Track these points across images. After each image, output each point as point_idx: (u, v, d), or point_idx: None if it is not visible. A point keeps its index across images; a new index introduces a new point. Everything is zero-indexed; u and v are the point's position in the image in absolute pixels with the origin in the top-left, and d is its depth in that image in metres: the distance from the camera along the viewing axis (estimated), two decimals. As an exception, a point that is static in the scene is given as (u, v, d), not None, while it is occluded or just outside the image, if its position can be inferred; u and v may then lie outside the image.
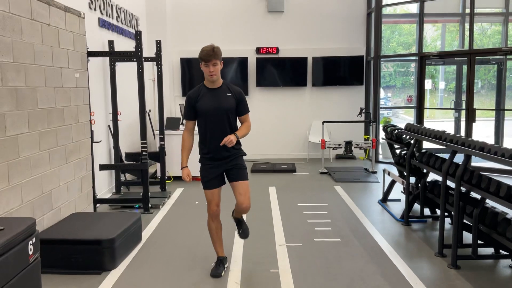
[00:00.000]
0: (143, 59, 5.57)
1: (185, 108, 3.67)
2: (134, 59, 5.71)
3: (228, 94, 3.61)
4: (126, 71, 7.03)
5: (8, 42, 3.57)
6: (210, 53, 3.48)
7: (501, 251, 4.02)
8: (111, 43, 6.38)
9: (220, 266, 3.76)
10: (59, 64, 4.42)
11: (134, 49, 5.52)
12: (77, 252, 3.81)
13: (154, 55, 6.60)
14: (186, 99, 3.66)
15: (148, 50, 8.34)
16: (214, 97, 3.58)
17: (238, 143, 3.68)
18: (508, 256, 3.95)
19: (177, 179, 7.49)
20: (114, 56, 6.12)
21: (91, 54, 5.38)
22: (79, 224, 4.22)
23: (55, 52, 4.35)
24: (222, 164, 3.64)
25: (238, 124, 3.72)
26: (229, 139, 3.47)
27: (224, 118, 3.58)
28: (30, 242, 2.61)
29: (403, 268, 3.87)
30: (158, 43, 6.55)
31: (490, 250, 4.13)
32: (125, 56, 6.00)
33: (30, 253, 2.61)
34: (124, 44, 7.40)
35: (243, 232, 3.90)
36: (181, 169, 3.67)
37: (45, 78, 4.16)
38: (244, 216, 4.08)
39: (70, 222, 4.27)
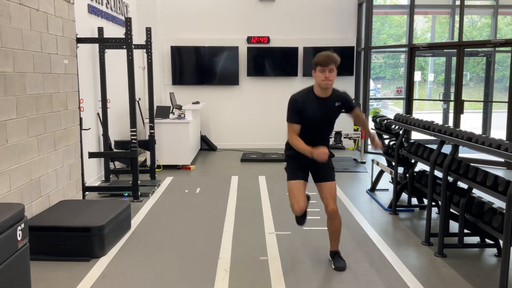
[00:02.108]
0: (133, 46, 5.53)
1: (290, 111, 3.45)
2: (124, 46, 5.66)
3: (336, 104, 3.47)
4: (116, 58, 6.97)
5: (-5, 26, 3.52)
6: (330, 57, 3.32)
7: (486, 240, 4.08)
8: (100, 30, 6.32)
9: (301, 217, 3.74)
10: (47, 50, 4.37)
11: (123, 36, 5.48)
12: (66, 239, 3.80)
13: (144, 43, 6.56)
14: (291, 102, 3.45)
15: (138, 37, 8.27)
16: (323, 107, 3.42)
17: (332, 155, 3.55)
18: (493, 245, 4.02)
19: (167, 167, 7.48)
20: (104, 42, 6.06)
21: (80, 40, 5.32)
22: (68, 211, 4.20)
23: (43, 37, 4.30)
24: (309, 165, 3.55)
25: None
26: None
27: (327, 128, 3.50)
28: (19, 228, 2.60)
29: (390, 256, 3.93)
30: (148, 31, 6.50)
31: (476, 239, 4.19)
32: (115, 43, 5.96)
33: (19, 238, 2.60)
34: (114, 31, 7.33)
35: (339, 266, 3.63)
36: (311, 153, 3.31)
37: (34, 64, 4.11)
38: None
39: (59, 209, 4.25)
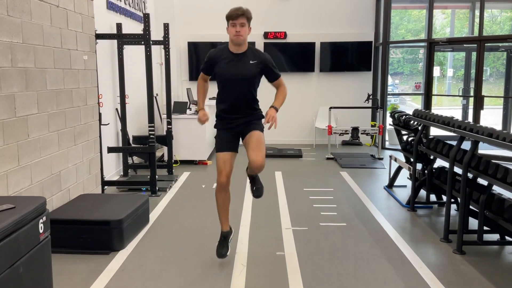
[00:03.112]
0: (151, 42, 5.57)
1: (204, 63, 3.52)
2: (142, 42, 5.71)
3: (251, 62, 3.40)
4: (134, 54, 7.03)
5: (17, 23, 3.58)
6: (239, 11, 3.31)
7: (506, 237, 4.03)
8: (119, 26, 6.37)
9: (224, 245, 3.58)
10: (67, 46, 4.43)
11: (142, 32, 5.51)
12: (86, 232, 3.86)
13: (162, 39, 6.59)
14: (207, 56, 3.50)
15: (156, 33, 8.31)
16: (236, 64, 3.39)
17: (255, 103, 3.54)
18: (513, 243, 3.96)
19: (184, 162, 7.53)
20: (122, 38, 6.11)
21: (99, 36, 5.37)
22: (88, 205, 4.26)
23: (63, 33, 4.35)
24: (236, 125, 3.50)
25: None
26: (271, 117, 3.29)
27: (245, 87, 3.41)
28: (41, 220, 2.65)
29: (408, 253, 3.90)
30: (166, 26, 6.54)
31: (495, 236, 4.14)
32: (133, 39, 6.00)
33: (41, 231, 2.65)
34: (132, 27, 7.38)
35: (257, 190, 3.72)
36: (197, 111, 3.47)
37: (54, 59, 4.17)
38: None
39: (79, 203, 4.32)
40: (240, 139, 3.59)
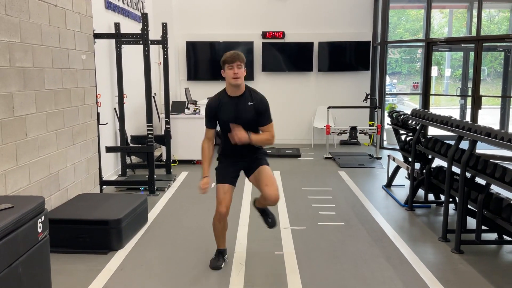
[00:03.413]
0: (149, 42, 5.56)
1: (206, 116, 3.54)
2: (140, 42, 5.70)
3: (249, 104, 3.43)
4: (132, 54, 7.02)
5: (15, 22, 3.57)
6: (235, 55, 3.38)
7: (504, 236, 4.04)
8: (117, 25, 6.36)
9: (219, 258, 3.60)
10: (66, 46, 4.43)
11: (140, 32, 5.51)
12: (85, 231, 3.86)
13: (160, 38, 6.59)
14: (206, 108, 3.52)
15: (154, 33, 8.32)
16: (235, 107, 3.42)
17: (259, 147, 3.57)
18: (511, 242, 3.97)
19: (182, 162, 7.53)
20: (120, 38, 6.10)
21: (98, 36, 5.37)
22: (86, 204, 4.26)
23: (62, 33, 4.35)
24: (240, 162, 3.55)
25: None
26: (240, 133, 3.32)
27: (247, 129, 3.43)
28: (40, 220, 2.65)
29: (407, 252, 3.91)
30: (164, 26, 6.53)
31: (493, 236, 4.15)
32: (131, 39, 5.99)
33: (40, 231, 2.65)
34: (130, 27, 7.38)
35: (272, 221, 3.74)
36: (202, 178, 3.46)
37: (52, 59, 4.16)
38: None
39: (77, 203, 4.31)
40: (243, 173, 3.62)
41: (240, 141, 3.35)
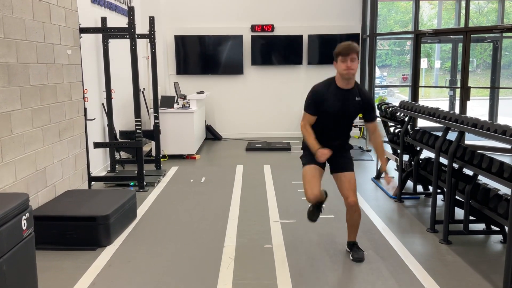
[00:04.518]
0: (136, 36, 5.51)
1: (308, 100, 3.44)
2: (127, 36, 5.65)
3: (357, 99, 3.40)
4: (119, 48, 6.96)
5: (-2, 17, 3.52)
6: (350, 47, 3.28)
7: (492, 226, 4.07)
8: (103, 20, 6.30)
9: (317, 211, 3.66)
10: (51, 40, 4.37)
11: (127, 26, 5.45)
12: (72, 228, 3.83)
13: (147, 32, 6.54)
14: (312, 91, 3.43)
15: (142, 27, 8.24)
16: (343, 100, 3.38)
17: (349, 135, 3.62)
18: (499, 232, 4.00)
19: (172, 157, 7.50)
20: (107, 32, 6.05)
21: (83, 30, 5.31)
22: (74, 201, 4.23)
23: (46, 28, 4.29)
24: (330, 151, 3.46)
25: None
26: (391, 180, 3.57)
27: (347, 122, 3.44)
28: (24, 217, 2.62)
29: (395, 243, 3.92)
30: (152, 20, 6.48)
31: (481, 226, 4.18)
32: (118, 33, 5.94)
33: (24, 228, 2.62)
34: (117, 21, 7.30)
35: (359, 258, 3.58)
36: (315, 151, 3.33)
37: (37, 54, 4.11)
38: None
39: (65, 199, 4.28)
40: (328, 164, 3.58)
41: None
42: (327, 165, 3.59)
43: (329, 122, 3.45)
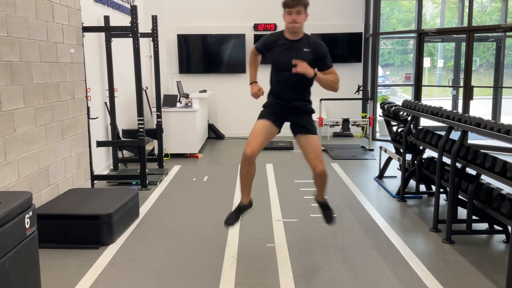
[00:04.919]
0: (139, 35, 5.52)
1: (259, 42, 3.53)
2: (130, 35, 5.65)
3: (305, 50, 3.33)
4: (122, 47, 6.97)
5: (2, 16, 3.52)
6: None
7: (495, 226, 4.06)
8: (106, 19, 6.30)
9: (235, 216, 3.56)
10: (54, 39, 4.38)
11: (129, 25, 5.46)
12: (75, 226, 3.83)
13: (150, 31, 6.54)
14: (263, 39, 3.52)
15: (144, 26, 8.23)
16: (290, 50, 3.35)
17: (307, 95, 3.52)
18: (502, 231, 3.99)
19: (174, 156, 7.51)
20: (110, 31, 6.06)
21: (86, 29, 5.31)
22: (77, 199, 4.23)
23: (49, 26, 4.30)
24: (288, 110, 3.48)
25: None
26: (304, 66, 3.21)
27: (298, 77, 3.32)
28: (27, 215, 2.62)
29: (398, 243, 3.92)
30: (154, 19, 6.48)
31: (484, 226, 4.17)
32: (121, 32, 5.95)
33: (27, 226, 2.63)
34: (120, 20, 7.31)
35: (329, 217, 3.75)
36: (250, 84, 3.51)
37: (40, 53, 4.12)
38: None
39: (68, 198, 4.29)
40: (290, 127, 3.57)
41: (304, 71, 3.24)
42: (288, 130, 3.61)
43: (280, 73, 3.44)
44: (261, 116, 3.53)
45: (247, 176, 3.51)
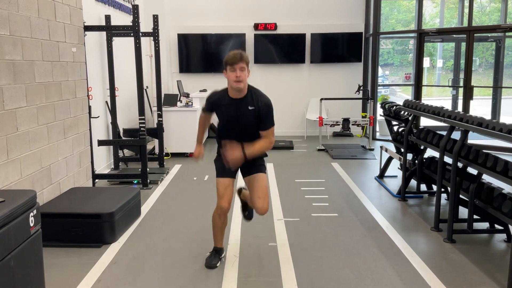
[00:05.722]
0: (140, 34, 5.52)
1: (205, 105, 3.47)
2: (131, 34, 5.66)
3: (249, 108, 3.27)
4: (123, 46, 6.97)
5: (4, 14, 3.53)
6: (238, 56, 3.18)
7: (496, 225, 4.08)
8: (107, 18, 6.31)
9: (215, 257, 3.50)
10: (55, 38, 4.38)
11: (131, 24, 5.46)
12: (77, 225, 3.84)
13: (151, 30, 6.54)
14: (207, 98, 3.44)
15: (145, 26, 8.24)
16: (235, 110, 3.30)
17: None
18: (503, 231, 4.01)
19: (175, 155, 7.51)
20: (111, 30, 6.06)
21: (88, 28, 5.32)
22: (79, 198, 4.24)
23: (51, 25, 4.30)
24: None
25: None
26: (233, 153, 3.22)
27: (246, 130, 3.34)
28: (31, 214, 2.63)
29: (399, 242, 3.93)
30: (155, 18, 6.48)
31: (485, 225, 4.19)
32: (122, 31, 5.95)
33: (32, 224, 2.63)
34: (121, 19, 7.32)
35: (249, 214, 3.90)
36: (197, 150, 3.57)
37: (42, 52, 4.12)
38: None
39: (70, 196, 4.29)
40: (240, 170, 3.53)
41: (233, 164, 3.25)
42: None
43: (229, 126, 3.42)
44: (218, 174, 3.45)
45: (222, 227, 3.50)
